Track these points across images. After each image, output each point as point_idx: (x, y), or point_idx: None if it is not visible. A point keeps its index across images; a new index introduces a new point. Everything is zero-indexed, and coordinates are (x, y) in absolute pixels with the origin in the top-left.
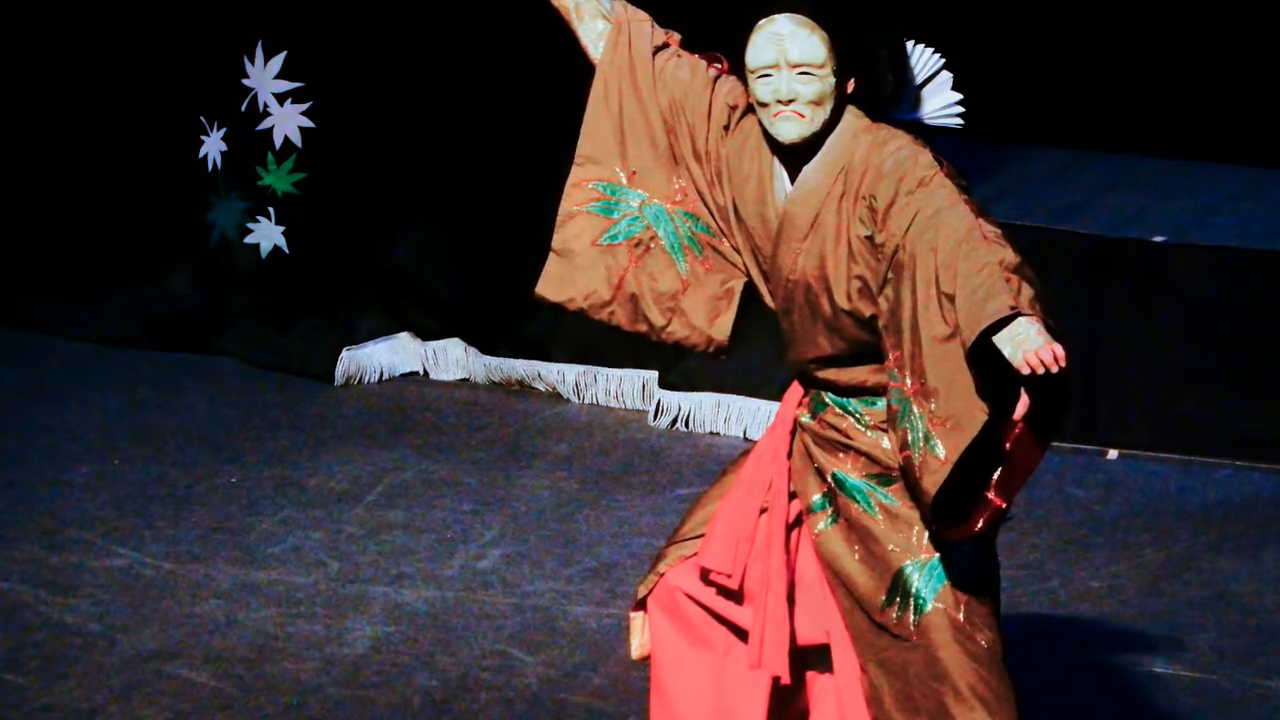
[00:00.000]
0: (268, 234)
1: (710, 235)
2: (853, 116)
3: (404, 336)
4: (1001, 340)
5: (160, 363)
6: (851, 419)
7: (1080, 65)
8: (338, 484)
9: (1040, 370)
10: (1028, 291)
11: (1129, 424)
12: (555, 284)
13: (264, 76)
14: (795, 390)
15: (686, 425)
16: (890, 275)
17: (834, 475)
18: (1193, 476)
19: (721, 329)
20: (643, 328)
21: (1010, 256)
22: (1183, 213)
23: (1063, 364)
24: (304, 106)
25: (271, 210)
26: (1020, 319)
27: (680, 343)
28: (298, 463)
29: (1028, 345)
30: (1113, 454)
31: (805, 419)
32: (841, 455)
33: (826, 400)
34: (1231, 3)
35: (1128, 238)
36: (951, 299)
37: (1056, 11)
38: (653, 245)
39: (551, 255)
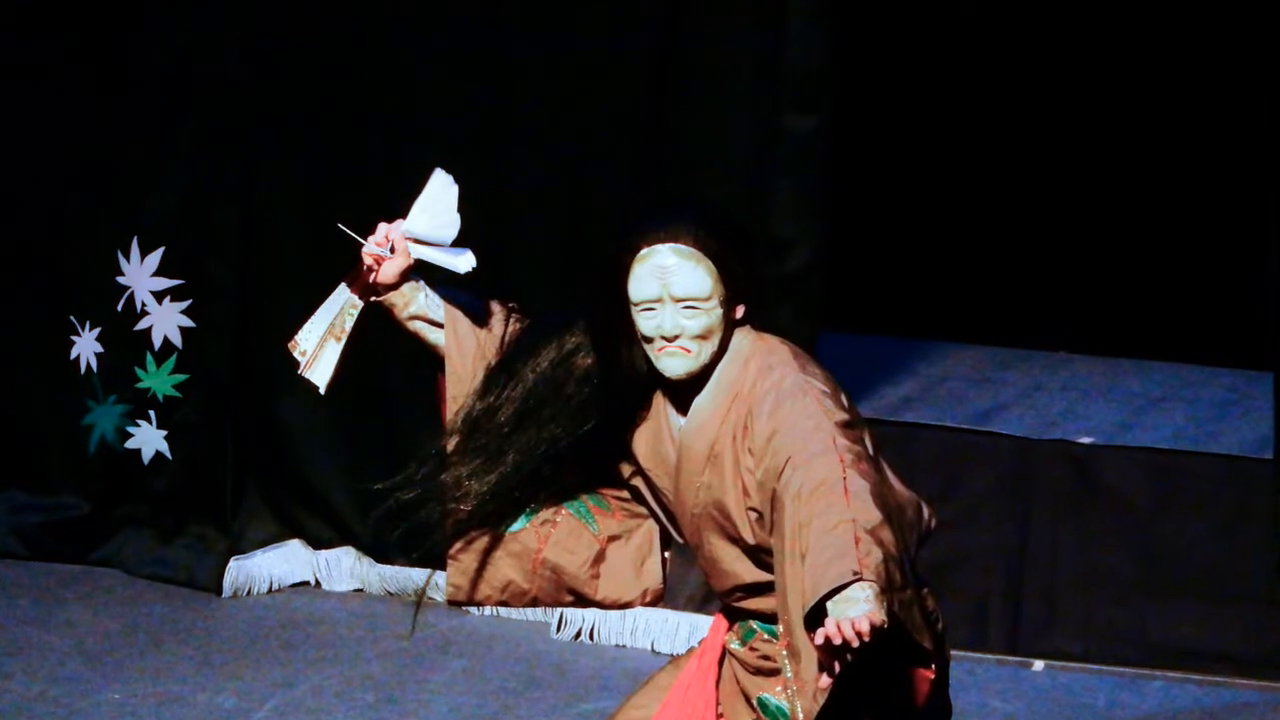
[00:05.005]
0: (149, 438)
1: (614, 488)
2: (742, 338)
3: (295, 545)
4: (833, 603)
5: (38, 573)
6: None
7: (1003, 262)
8: (226, 701)
9: (836, 642)
10: (876, 555)
11: (1056, 633)
12: (465, 585)
13: (140, 273)
14: (721, 620)
15: (591, 638)
16: (774, 517)
17: (759, 699)
18: (1123, 689)
19: (651, 575)
20: (569, 599)
21: (870, 515)
22: (1111, 413)
23: (864, 639)
24: (184, 305)
25: (152, 414)
26: (859, 583)
27: (614, 603)
28: (184, 678)
29: (849, 611)
30: (1039, 665)
31: (735, 646)
32: (771, 678)
33: (755, 628)
34: (1159, 200)
35: (1054, 439)
36: (804, 559)
37: (981, 208)
38: (558, 518)
39: (450, 561)
